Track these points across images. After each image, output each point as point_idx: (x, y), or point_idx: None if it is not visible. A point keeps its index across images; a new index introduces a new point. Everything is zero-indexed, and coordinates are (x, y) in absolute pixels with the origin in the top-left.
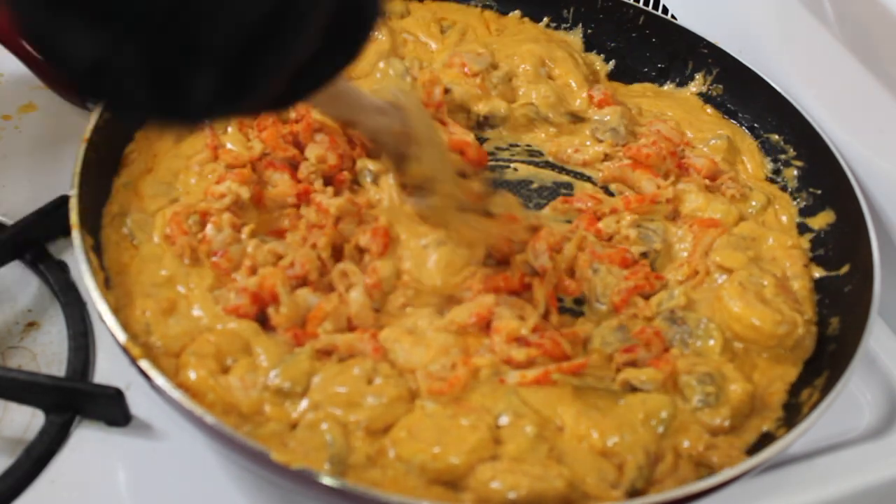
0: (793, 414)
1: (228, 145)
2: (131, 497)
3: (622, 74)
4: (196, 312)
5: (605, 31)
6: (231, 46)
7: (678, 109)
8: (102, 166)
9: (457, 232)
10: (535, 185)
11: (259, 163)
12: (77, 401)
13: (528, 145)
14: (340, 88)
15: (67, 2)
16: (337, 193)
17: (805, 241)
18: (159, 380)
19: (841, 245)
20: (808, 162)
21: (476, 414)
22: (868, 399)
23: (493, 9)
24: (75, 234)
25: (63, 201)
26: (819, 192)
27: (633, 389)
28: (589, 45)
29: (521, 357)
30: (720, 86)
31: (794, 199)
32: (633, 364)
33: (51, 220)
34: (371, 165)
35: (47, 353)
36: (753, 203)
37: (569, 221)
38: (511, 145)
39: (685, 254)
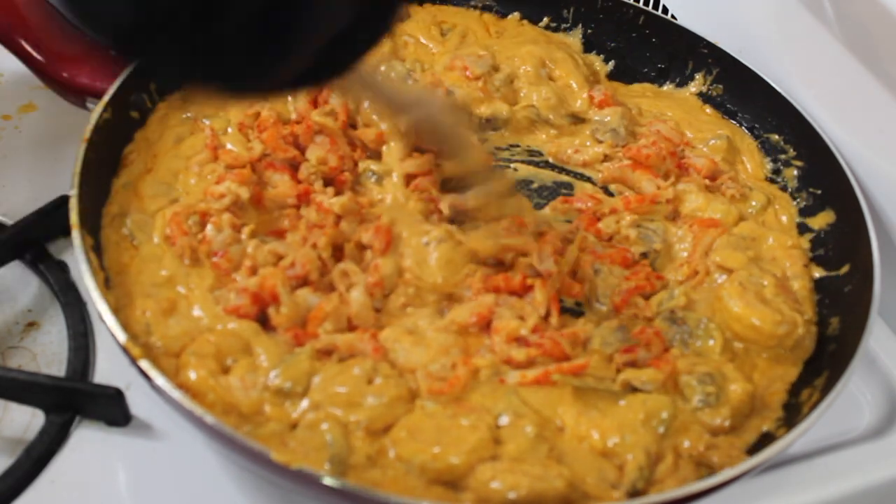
0: (793, 414)
1: (228, 146)
2: (131, 497)
3: (622, 75)
4: (196, 313)
5: (605, 32)
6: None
7: (678, 109)
8: (102, 166)
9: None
10: (535, 185)
11: (259, 163)
12: (77, 401)
13: (528, 146)
14: (373, 76)
15: None
16: (338, 194)
17: (805, 241)
18: (159, 380)
19: (841, 245)
20: (808, 162)
21: (476, 414)
22: (868, 399)
23: (493, 10)
24: (75, 234)
25: (63, 201)
26: (819, 192)
27: (634, 390)
28: (589, 46)
29: (521, 357)
30: (720, 86)
31: (794, 199)
32: (633, 364)
33: (51, 220)
34: (374, 166)
35: (47, 353)
36: (753, 203)
37: (569, 221)
38: (511, 146)
39: (685, 254)
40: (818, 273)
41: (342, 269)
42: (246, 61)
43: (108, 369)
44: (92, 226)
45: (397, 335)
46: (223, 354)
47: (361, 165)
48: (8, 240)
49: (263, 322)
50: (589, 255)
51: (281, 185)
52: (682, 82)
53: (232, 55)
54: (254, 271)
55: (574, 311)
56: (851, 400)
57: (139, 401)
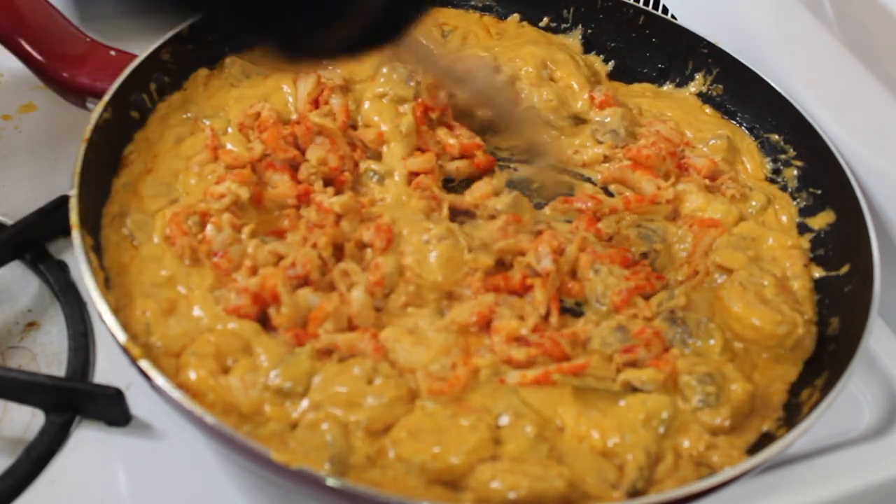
0: (793, 414)
1: (228, 146)
2: (131, 497)
3: (622, 75)
4: (196, 313)
5: (605, 32)
6: None
7: (677, 110)
8: (102, 166)
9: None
10: (535, 185)
11: (259, 164)
12: (77, 401)
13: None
14: (428, 47)
15: None
16: (338, 194)
17: (805, 241)
18: (159, 380)
19: (841, 245)
20: (808, 162)
21: (476, 414)
22: (868, 399)
23: (493, 10)
24: (75, 234)
25: (63, 201)
26: (819, 192)
27: (634, 390)
28: (589, 46)
29: (521, 357)
30: (720, 86)
31: (794, 199)
32: (633, 364)
33: (51, 220)
34: (375, 166)
35: (47, 353)
36: (753, 203)
37: (569, 221)
38: (511, 145)
39: (685, 254)
40: (818, 273)
41: (343, 269)
42: (301, 18)
43: (108, 369)
44: (92, 226)
45: (398, 335)
46: (223, 354)
47: (362, 165)
48: (8, 240)
49: (264, 322)
50: (589, 255)
51: (281, 185)
52: (682, 82)
53: (287, 11)
54: (254, 271)
55: (574, 311)
56: (851, 400)
57: (139, 401)
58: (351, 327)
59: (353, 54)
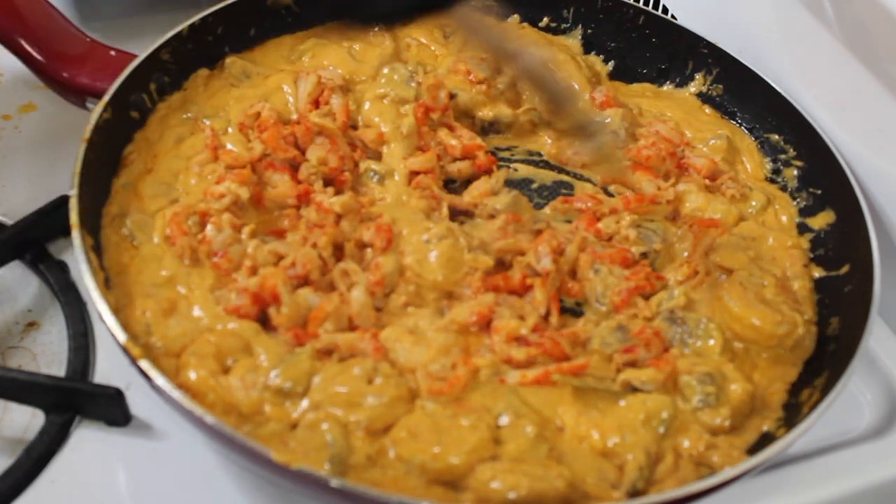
0: (793, 414)
1: (228, 146)
2: (131, 497)
3: (622, 75)
4: (196, 313)
5: (605, 32)
6: None
7: (677, 110)
8: (102, 166)
9: (620, 172)
10: (535, 185)
11: (259, 164)
12: (77, 401)
13: (529, 149)
14: (482, 19)
15: None
16: (338, 194)
17: (805, 241)
18: (159, 380)
19: (841, 245)
20: (808, 162)
21: (476, 414)
22: (868, 399)
23: (493, 10)
24: (75, 234)
25: (63, 201)
26: (819, 192)
27: (634, 390)
28: (589, 46)
29: (521, 357)
30: (720, 86)
31: (794, 199)
32: (633, 364)
33: (51, 220)
34: (375, 166)
35: (47, 353)
36: (753, 203)
37: (569, 221)
38: (511, 146)
39: (685, 254)
40: (818, 273)
41: (343, 269)
42: None
43: (108, 369)
44: (92, 226)
45: (398, 335)
46: (223, 354)
47: (363, 165)
48: (8, 240)
49: (264, 322)
50: (589, 255)
51: (281, 185)
52: (682, 82)
53: None
54: (254, 271)
55: (574, 311)
56: (851, 400)
57: (139, 401)
58: (351, 327)
59: (408, 17)
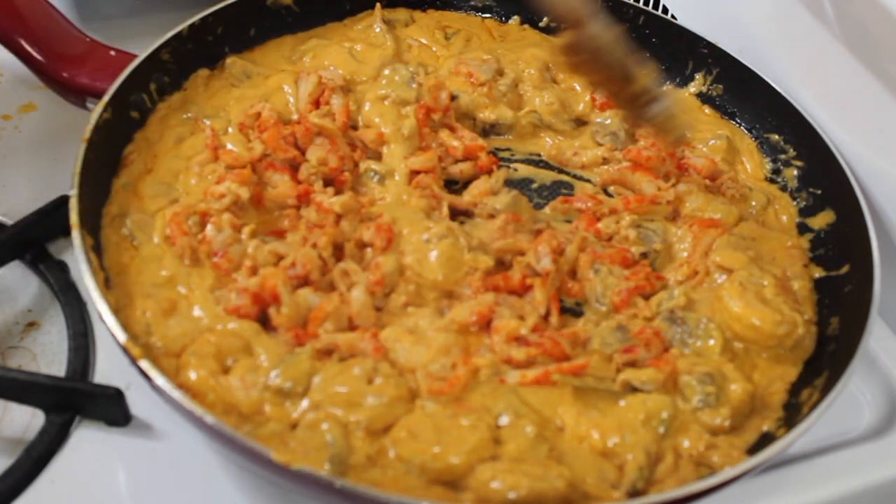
0: (793, 414)
1: (229, 146)
2: (131, 497)
3: None
4: (196, 313)
5: None
6: None
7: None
8: (102, 166)
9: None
10: (535, 185)
11: (259, 164)
12: (77, 401)
13: (530, 151)
14: None
15: None
16: (338, 194)
17: (805, 241)
18: (159, 380)
19: (841, 245)
20: (808, 162)
21: (476, 414)
22: (868, 399)
23: (493, 10)
24: (75, 234)
25: (63, 201)
26: (819, 192)
27: (634, 390)
28: None
29: (521, 356)
30: (720, 86)
31: (794, 199)
32: (633, 364)
33: (51, 220)
34: (375, 166)
35: (47, 353)
36: (753, 203)
37: (568, 221)
38: (511, 147)
39: (685, 254)
40: (818, 273)
41: (343, 269)
42: None
43: (108, 369)
44: (92, 226)
45: (398, 335)
46: (223, 354)
47: (363, 165)
48: (8, 240)
49: (264, 322)
50: (589, 255)
51: (281, 185)
52: (682, 82)
53: None
54: (254, 271)
55: (574, 311)
56: (851, 400)
57: (139, 401)
58: (351, 327)
59: None
